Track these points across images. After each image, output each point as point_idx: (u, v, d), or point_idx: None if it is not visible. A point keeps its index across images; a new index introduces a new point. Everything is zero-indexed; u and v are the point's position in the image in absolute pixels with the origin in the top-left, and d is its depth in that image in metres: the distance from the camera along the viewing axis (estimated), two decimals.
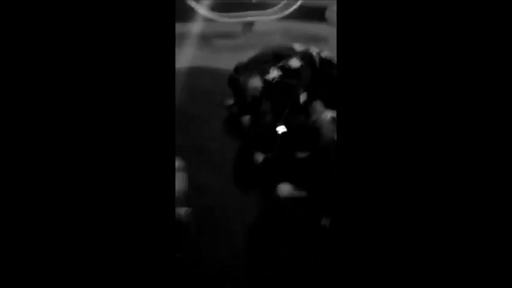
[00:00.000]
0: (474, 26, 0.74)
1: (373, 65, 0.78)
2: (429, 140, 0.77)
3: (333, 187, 1.73)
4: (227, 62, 3.96)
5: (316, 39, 4.72)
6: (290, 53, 2.71)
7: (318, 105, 2.11)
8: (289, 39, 4.85)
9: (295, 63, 2.51)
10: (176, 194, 1.65)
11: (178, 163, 1.66)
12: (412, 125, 0.78)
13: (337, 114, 1.73)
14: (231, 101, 3.04)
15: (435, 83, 0.76)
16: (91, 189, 0.81)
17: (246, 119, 2.66)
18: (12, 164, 0.77)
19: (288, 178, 2.00)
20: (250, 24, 4.76)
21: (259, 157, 2.20)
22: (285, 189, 1.98)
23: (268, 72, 2.51)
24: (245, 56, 4.19)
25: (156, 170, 0.84)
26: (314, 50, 2.76)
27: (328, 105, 2.08)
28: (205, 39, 4.75)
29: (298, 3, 4.68)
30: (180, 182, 1.66)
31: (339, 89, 0.84)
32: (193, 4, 4.59)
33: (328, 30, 5.52)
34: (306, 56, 2.66)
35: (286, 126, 2.07)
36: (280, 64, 2.55)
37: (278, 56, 2.72)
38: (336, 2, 0.97)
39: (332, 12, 5.95)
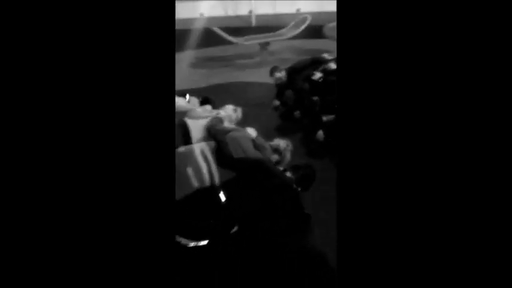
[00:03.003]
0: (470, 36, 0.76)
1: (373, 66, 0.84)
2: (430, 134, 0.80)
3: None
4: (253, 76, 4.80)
5: (320, 52, 5.54)
6: (324, 59, 3.48)
7: None
8: (298, 54, 5.67)
9: (333, 65, 3.27)
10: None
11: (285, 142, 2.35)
12: (411, 123, 0.81)
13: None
14: (277, 102, 3.77)
15: (435, 83, 0.80)
16: (90, 188, 0.83)
17: (297, 113, 3.40)
18: (8, 158, 0.79)
19: None
20: (266, 44, 5.55)
21: (320, 135, 2.96)
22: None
23: (313, 75, 3.26)
24: (263, 71, 4.97)
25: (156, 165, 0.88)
26: None
27: None
28: (229, 59, 5.56)
29: (306, 24, 5.49)
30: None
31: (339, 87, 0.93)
32: (217, 30, 5.39)
33: (328, 44, 6.39)
34: None
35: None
36: (322, 68, 3.31)
37: (316, 62, 3.48)
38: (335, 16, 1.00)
39: (329, 29, 6.85)
